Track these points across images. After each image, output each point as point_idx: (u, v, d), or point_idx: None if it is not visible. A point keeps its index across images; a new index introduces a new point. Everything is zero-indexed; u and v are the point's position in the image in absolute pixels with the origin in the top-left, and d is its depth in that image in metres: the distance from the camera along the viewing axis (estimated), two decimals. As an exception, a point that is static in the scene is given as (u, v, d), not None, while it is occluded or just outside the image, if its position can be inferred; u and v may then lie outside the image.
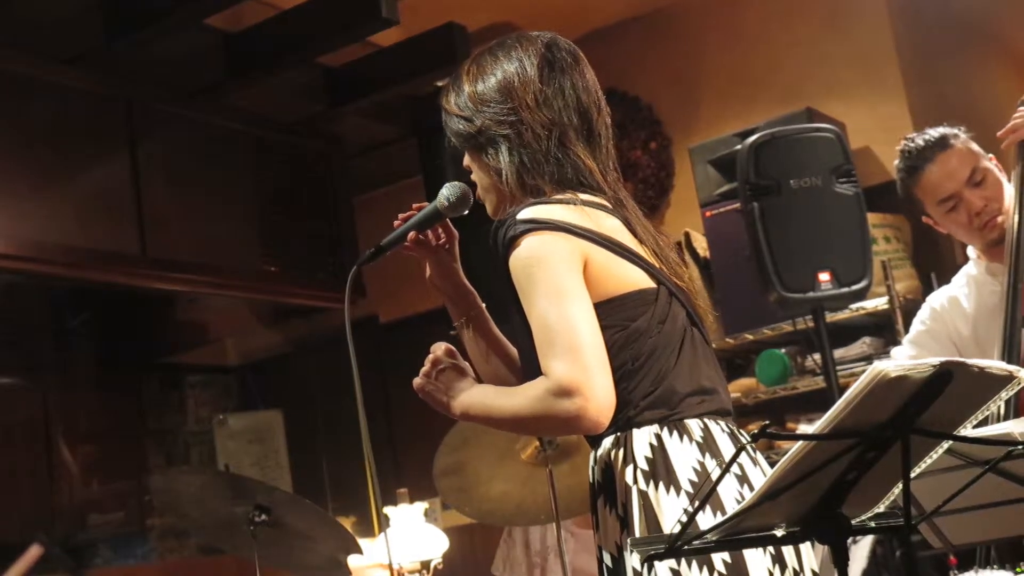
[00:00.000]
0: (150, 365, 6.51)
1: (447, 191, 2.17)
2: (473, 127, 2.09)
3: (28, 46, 4.56)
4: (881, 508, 1.71)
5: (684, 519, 1.74)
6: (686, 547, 1.62)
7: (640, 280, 1.99)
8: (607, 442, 1.97)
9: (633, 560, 1.90)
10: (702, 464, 1.91)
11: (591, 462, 2.03)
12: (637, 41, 5.71)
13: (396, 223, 2.21)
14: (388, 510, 4.95)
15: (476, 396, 2.04)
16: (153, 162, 4.99)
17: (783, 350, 4.86)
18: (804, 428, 4.41)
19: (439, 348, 2.12)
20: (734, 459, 1.92)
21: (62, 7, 4.61)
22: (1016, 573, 2.73)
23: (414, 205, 2.22)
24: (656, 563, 1.85)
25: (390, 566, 5.01)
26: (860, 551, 3.48)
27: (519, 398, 1.93)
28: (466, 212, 2.18)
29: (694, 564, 1.85)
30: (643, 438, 1.93)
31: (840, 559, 1.65)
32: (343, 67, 5.43)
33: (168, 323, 6.37)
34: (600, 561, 2.01)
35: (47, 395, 5.89)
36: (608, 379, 1.87)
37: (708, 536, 1.62)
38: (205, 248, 5.16)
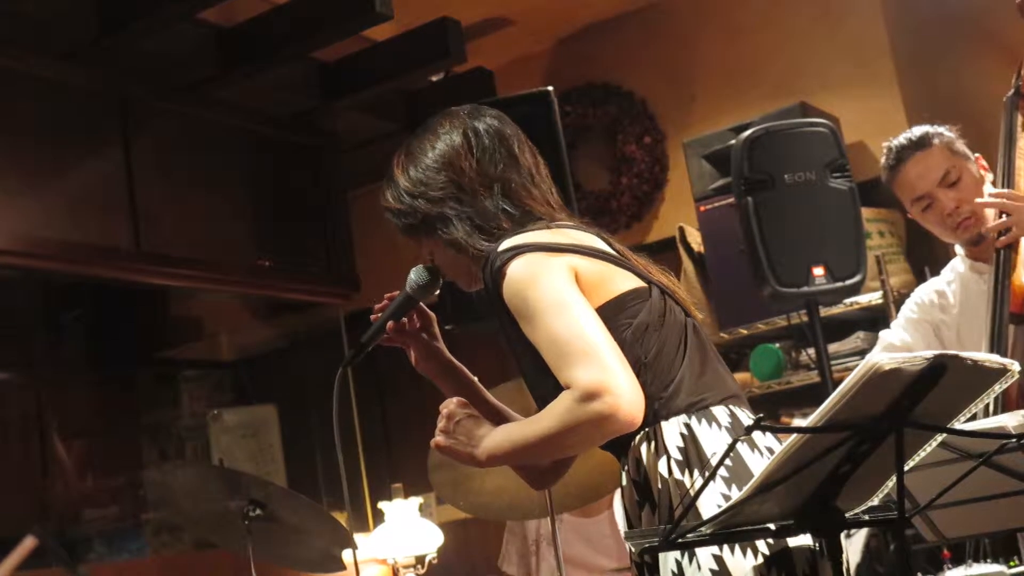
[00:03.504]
0: (144, 360, 6.49)
1: (414, 275, 2.19)
2: (416, 217, 2.12)
3: (22, 41, 4.55)
4: (875, 501, 1.72)
5: (679, 513, 1.74)
6: (680, 540, 1.62)
7: (631, 281, 2.00)
8: (636, 439, 1.96)
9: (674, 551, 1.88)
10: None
11: (622, 463, 2.00)
12: (631, 36, 5.71)
13: (373, 316, 2.24)
14: (383, 505, 4.95)
15: (499, 437, 2.01)
16: (147, 157, 4.97)
17: (777, 344, 4.86)
18: (799, 422, 4.42)
19: (451, 403, 2.10)
20: (725, 456, 1.89)
21: (56, 2, 4.59)
22: (1009, 567, 2.74)
23: (386, 296, 2.24)
24: (697, 550, 1.84)
25: (385, 561, 5.02)
26: (854, 544, 3.49)
27: (546, 419, 1.89)
28: (437, 293, 2.19)
29: (737, 548, 1.84)
30: (673, 429, 1.93)
31: (834, 552, 1.66)
32: (337, 62, 5.42)
33: (162, 318, 6.36)
34: (641, 556, 1.99)
35: (41, 390, 5.87)
36: (631, 375, 1.86)
37: (703, 529, 1.63)
38: (199, 243, 5.15)
